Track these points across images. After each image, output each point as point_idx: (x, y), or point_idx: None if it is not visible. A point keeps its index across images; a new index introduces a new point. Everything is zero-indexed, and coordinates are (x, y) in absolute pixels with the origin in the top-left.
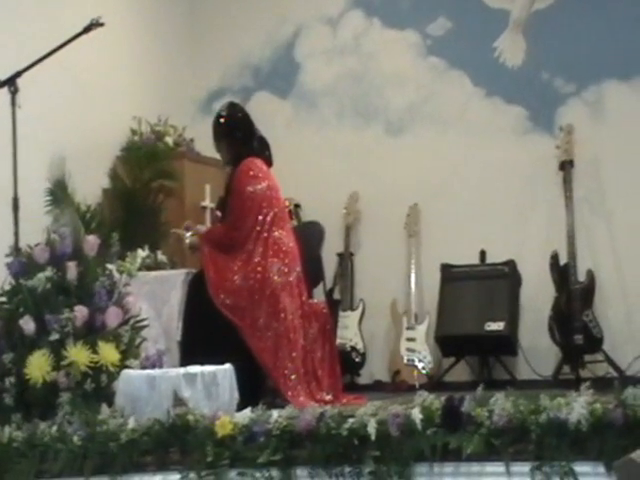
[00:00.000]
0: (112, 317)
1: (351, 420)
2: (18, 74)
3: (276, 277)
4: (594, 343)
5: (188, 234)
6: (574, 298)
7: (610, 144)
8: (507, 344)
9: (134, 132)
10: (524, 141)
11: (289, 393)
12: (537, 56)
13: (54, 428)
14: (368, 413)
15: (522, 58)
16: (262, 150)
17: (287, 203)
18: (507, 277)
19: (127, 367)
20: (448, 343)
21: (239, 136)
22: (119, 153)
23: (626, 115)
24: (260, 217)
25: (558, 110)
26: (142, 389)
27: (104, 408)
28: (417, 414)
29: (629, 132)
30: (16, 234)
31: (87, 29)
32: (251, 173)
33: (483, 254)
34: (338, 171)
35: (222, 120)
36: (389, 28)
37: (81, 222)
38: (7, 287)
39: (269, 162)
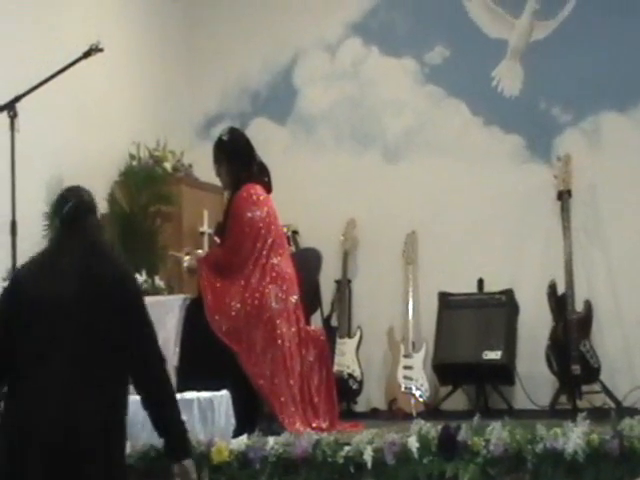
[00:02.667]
0: None
1: (347, 447)
2: (17, 99)
3: (273, 303)
4: (591, 373)
5: (186, 257)
6: (571, 328)
7: (607, 174)
8: (504, 373)
9: (132, 157)
10: (522, 170)
11: (285, 420)
12: (535, 86)
13: None
14: (364, 441)
15: (520, 88)
16: (262, 176)
17: (285, 229)
18: (505, 306)
19: None
20: (445, 371)
21: (239, 161)
22: (117, 178)
23: (623, 145)
24: (258, 244)
25: (556, 140)
26: (138, 414)
27: None
28: (413, 442)
29: (626, 162)
30: (14, 257)
31: (86, 54)
32: (250, 199)
33: (481, 282)
34: (335, 197)
35: (223, 144)
36: (387, 56)
37: None
38: None
39: (268, 188)
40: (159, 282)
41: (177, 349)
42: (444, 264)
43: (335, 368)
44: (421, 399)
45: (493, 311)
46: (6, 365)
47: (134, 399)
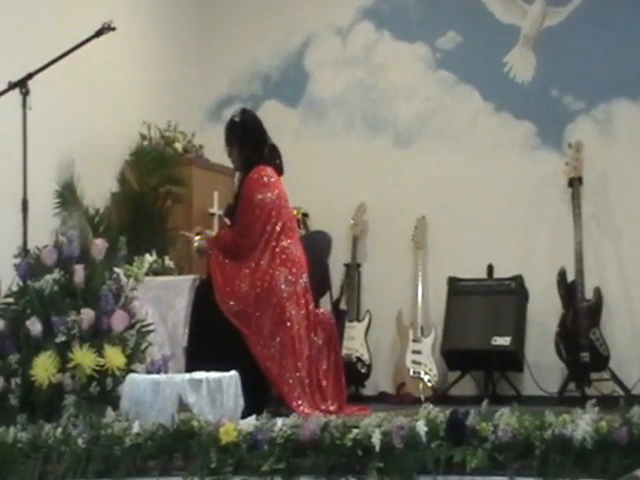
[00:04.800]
0: (118, 321)
1: (355, 431)
2: (29, 76)
3: (283, 286)
4: (600, 361)
5: (197, 237)
6: (581, 315)
7: (619, 162)
8: (513, 359)
9: (143, 137)
10: (533, 157)
11: (293, 403)
12: (547, 72)
13: (59, 430)
14: (372, 424)
15: (532, 74)
16: (273, 158)
17: (295, 212)
18: (514, 292)
19: (132, 371)
20: (454, 357)
21: (251, 142)
22: (128, 157)
23: (635, 133)
24: (268, 226)
25: (567, 127)
26: (147, 394)
27: (109, 411)
28: (422, 427)
29: (638, 150)
30: (24, 236)
31: (99, 33)
32: (261, 181)
33: (490, 268)
34: (346, 181)
35: (235, 125)
36: (399, 40)
37: (89, 225)
38: (14, 288)
39: (279, 170)
40: (169, 262)
41: (186, 330)
42: (454, 249)
43: (344, 352)
44: (429, 384)
45: (502, 297)
46: None
47: (142, 377)
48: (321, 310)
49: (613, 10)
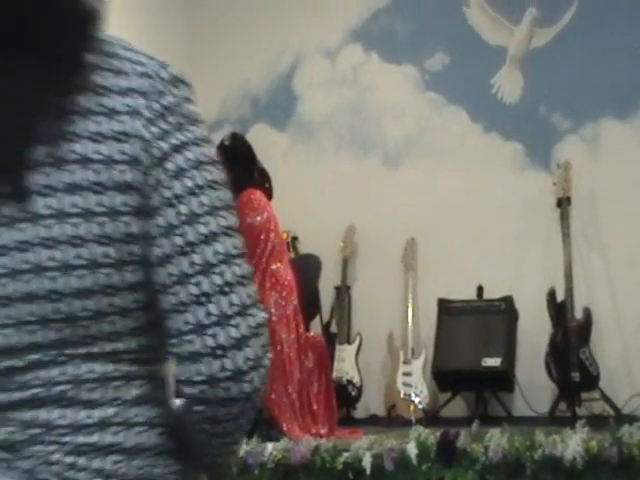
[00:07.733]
0: None
1: (346, 454)
2: None
3: (273, 310)
4: (590, 380)
5: None
6: (571, 335)
7: (607, 181)
8: (503, 380)
9: None
10: (521, 177)
11: (284, 426)
12: (534, 93)
13: None
14: (363, 447)
15: (519, 94)
16: (262, 182)
17: (285, 235)
18: (504, 313)
19: None
20: (444, 378)
21: (240, 166)
22: None
23: (623, 152)
24: (258, 250)
25: (555, 146)
26: None
27: None
28: (412, 449)
29: (626, 169)
30: None
31: None
32: (250, 204)
33: (480, 289)
34: (335, 203)
35: (224, 149)
36: (387, 62)
37: None
38: None
39: (269, 194)
40: None
41: None
42: (443, 271)
43: (334, 374)
44: (420, 405)
45: (492, 318)
46: None
47: None
48: (311, 333)
49: (600, 30)
